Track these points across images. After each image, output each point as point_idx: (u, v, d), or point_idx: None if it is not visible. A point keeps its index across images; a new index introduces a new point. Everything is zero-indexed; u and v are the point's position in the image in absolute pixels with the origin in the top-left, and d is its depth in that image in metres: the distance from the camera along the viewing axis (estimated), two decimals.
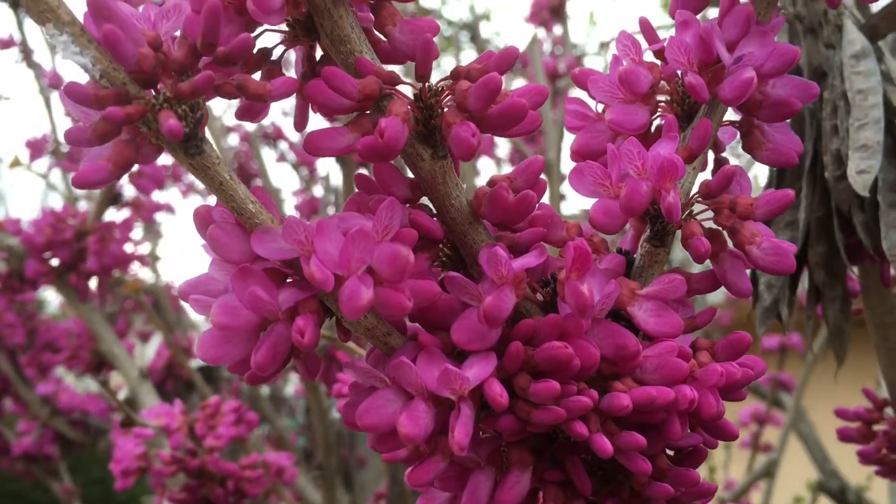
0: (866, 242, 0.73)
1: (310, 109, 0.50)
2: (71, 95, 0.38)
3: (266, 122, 2.63)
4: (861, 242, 0.75)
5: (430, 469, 0.46)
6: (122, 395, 1.45)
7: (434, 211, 0.49)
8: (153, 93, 0.39)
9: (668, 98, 0.55)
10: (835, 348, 0.82)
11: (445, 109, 0.45)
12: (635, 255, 0.55)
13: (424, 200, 0.51)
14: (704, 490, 0.54)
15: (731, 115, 0.57)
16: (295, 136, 2.66)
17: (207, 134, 0.46)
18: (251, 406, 2.54)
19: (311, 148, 0.45)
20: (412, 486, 0.47)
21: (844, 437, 0.93)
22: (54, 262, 1.26)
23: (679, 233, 0.53)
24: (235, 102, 0.46)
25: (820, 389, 2.54)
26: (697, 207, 0.53)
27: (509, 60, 0.45)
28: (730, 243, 0.54)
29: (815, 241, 0.77)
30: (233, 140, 3.02)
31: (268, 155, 2.68)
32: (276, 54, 0.48)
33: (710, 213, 0.53)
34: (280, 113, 2.81)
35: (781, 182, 0.80)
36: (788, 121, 0.78)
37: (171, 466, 1.11)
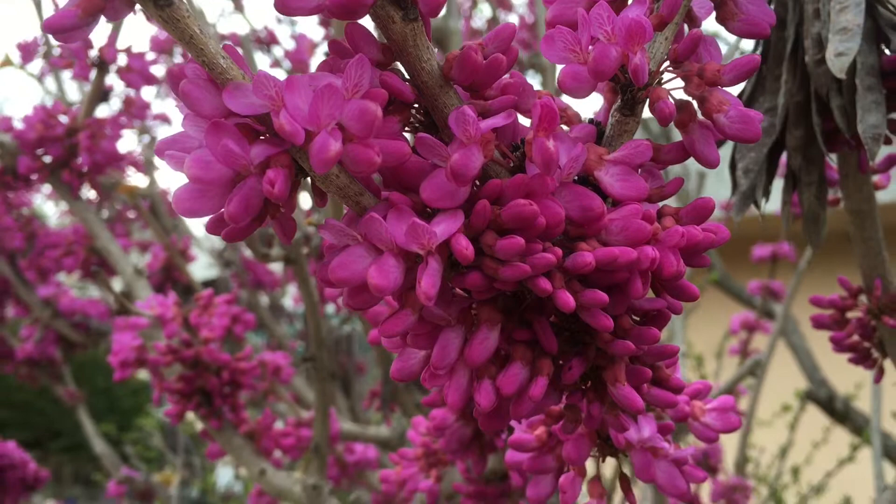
0: (842, 126, 0.74)
1: None
2: None
3: (259, 26, 2.60)
4: (838, 128, 0.75)
5: (401, 322, 0.49)
6: (118, 286, 1.48)
7: (406, 75, 0.50)
8: None
9: None
10: (809, 234, 0.84)
11: None
12: (606, 126, 0.56)
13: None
14: (667, 350, 0.57)
15: None
16: (289, 43, 2.63)
17: None
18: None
19: (282, 7, 0.45)
20: (384, 336, 0.49)
21: (818, 324, 0.96)
22: (47, 158, 1.27)
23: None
24: (229, 11, 0.46)
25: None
26: (669, 78, 0.54)
27: None
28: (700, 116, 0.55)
29: (792, 126, 0.77)
30: None
31: (261, 60, 2.65)
32: None
33: (681, 84, 0.54)
34: (274, 19, 2.78)
35: (762, 68, 0.81)
36: (772, 5, 0.78)
37: (166, 356, 1.15)
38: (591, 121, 0.56)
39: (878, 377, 1.00)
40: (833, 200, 0.92)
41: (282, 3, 0.45)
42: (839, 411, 2.82)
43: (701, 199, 0.53)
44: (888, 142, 0.83)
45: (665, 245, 0.50)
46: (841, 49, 0.71)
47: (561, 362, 0.56)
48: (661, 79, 0.53)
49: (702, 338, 3.66)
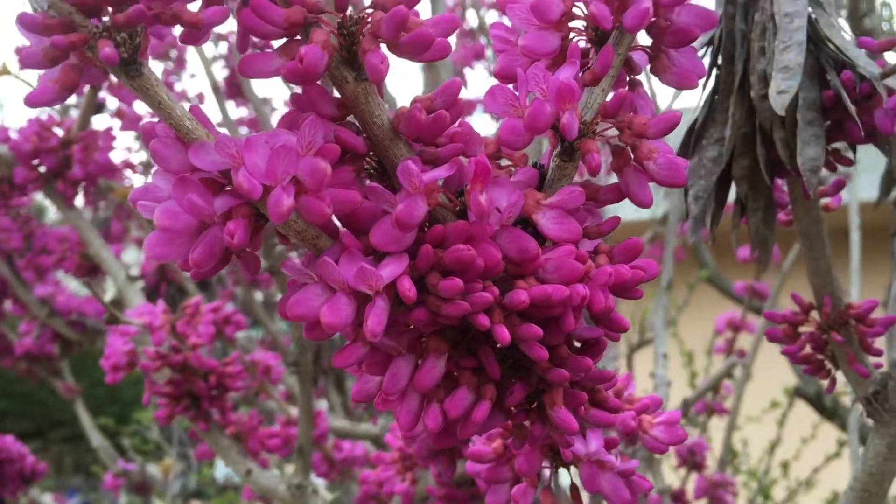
0: (784, 157, 0.79)
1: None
2: (23, 24, 0.44)
3: None
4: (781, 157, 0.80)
5: (353, 354, 0.54)
6: (109, 295, 1.53)
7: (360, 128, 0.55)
8: (97, 22, 0.45)
9: (585, 24, 0.60)
10: (759, 256, 0.89)
11: (364, 37, 0.50)
12: (549, 169, 0.61)
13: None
14: (603, 376, 0.62)
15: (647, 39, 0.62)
16: None
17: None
18: (244, 310, 2.64)
19: (244, 70, 0.50)
20: (338, 367, 0.54)
21: (772, 337, 1.01)
22: (42, 169, 1.32)
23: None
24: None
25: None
26: (606, 125, 0.59)
27: None
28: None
29: (739, 156, 0.82)
30: (223, 48, 3.04)
31: None
32: None
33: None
34: None
35: (713, 101, 0.85)
36: (719, 42, 0.83)
37: (155, 362, 1.20)
38: (535, 164, 0.61)
39: (830, 388, 1.05)
40: (785, 221, 0.97)
41: (244, 66, 0.50)
42: (827, 408, 2.87)
43: (631, 239, 0.58)
44: (833, 168, 0.88)
45: (595, 283, 0.55)
46: (782, 87, 0.76)
47: (509, 384, 0.61)
48: (595, 129, 0.57)
49: (694, 334, 3.72)
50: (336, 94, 0.55)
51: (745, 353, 2.58)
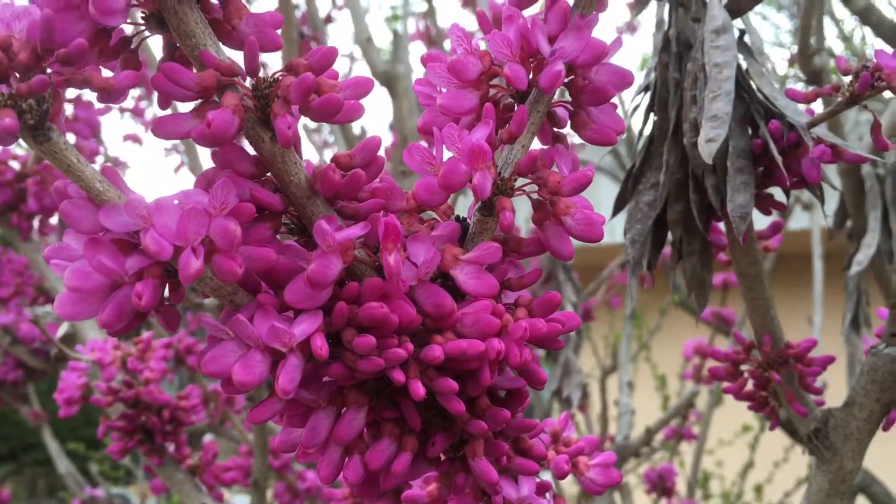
0: (715, 204, 0.80)
1: None
2: None
3: None
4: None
5: (268, 409, 0.54)
6: (63, 328, 1.52)
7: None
8: (3, 89, 0.45)
9: (506, 82, 0.61)
10: (696, 296, 0.90)
11: (276, 100, 0.51)
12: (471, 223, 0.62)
13: None
14: (524, 426, 0.63)
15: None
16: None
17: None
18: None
19: (158, 131, 0.51)
20: (252, 423, 0.54)
21: (715, 375, 1.02)
22: None
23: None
24: None
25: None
26: (525, 182, 0.60)
27: (329, 59, 0.51)
28: None
29: (673, 201, 0.84)
30: None
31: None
32: (136, 42, 0.54)
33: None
34: None
35: (650, 146, 0.87)
36: (654, 90, 0.84)
37: (107, 397, 1.20)
38: (457, 218, 0.62)
39: (774, 424, 1.07)
40: (725, 262, 0.98)
41: (158, 127, 0.51)
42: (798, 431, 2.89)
43: (549, 293, 0.59)
44: (767, 212, 0.90)
45: (511, 338, 0.56)
46: (711, 135, 0.77)
47: (427, 433, 0.61)
48: (514, 185, 0.58)
49: (667, 358, 3.74)
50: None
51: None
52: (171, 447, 1.31)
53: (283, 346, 0.52)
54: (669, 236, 0.90)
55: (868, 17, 2.63)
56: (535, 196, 0.60)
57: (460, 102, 0.58)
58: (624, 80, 0.60)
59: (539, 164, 0.59)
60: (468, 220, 0.62)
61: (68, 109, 1.24)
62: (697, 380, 2.79)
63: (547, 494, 0.76)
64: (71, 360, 1.14)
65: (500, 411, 0.59)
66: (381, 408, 0.59)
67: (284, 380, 0.51)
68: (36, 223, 1.37)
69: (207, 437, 2.26)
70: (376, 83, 0.62)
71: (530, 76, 0.58)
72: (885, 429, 0.98)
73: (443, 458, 0.65)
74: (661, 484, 2.74)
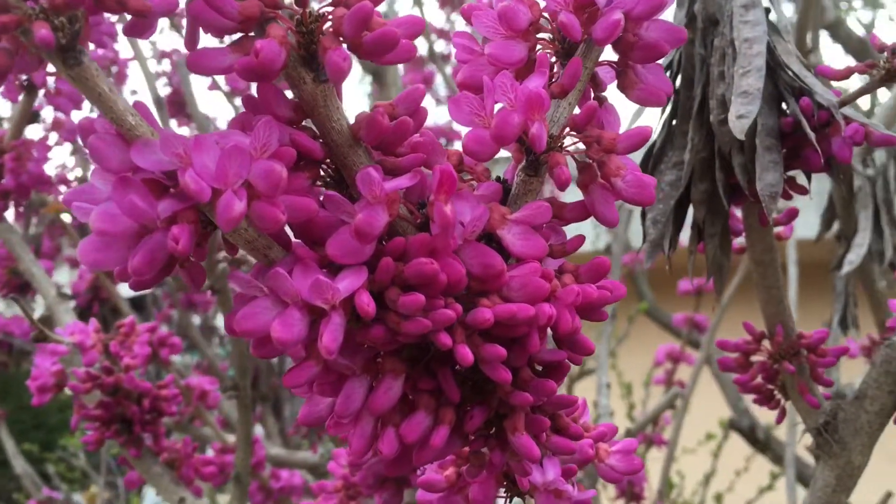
0: (742, 183, 0.78)
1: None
2: None
3: None
4: (739, 182, 0.79)
5: (304, 372, 0.50)
6: (38, 313, 1.46)
7: (317, 133, 0.52)
8: (33, 4, 0.41)
9: (551, 36, 0.58)
10: (714, 282, 0.88)
11: (324, 35, 0.47)
12: (513, 184, 0.58)
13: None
14: (566, 401, 0.59)
15: (612, 55, 0.60)
16: None
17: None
18: (181, 334, 2.55)
19: (193, 66, 0.47)
20: (288, 387, 0.50)
21: (724, 366, 1.00)
22: None
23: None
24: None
25: (734, 331, 2.66)
26: (571, 141, 0.57)
27: None
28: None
29: (698, 181, 0.81)
30: (166, 65, 2.97)
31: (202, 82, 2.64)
32: None
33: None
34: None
35: (671, 125, 0.85)
36: (678, 66, 0.82)
37: (86, 383, 1.14)
38: (498, 179, 0.59)
39: (780, 418, 1.04)
40: (738, 249, 0.96)
41: (193, 62, 0.47)
42: (760, 440, 2.90)
43: (598, 258, 0.56)
44: (788, 197, 0.87)
45: (562, 303, 0.53)
46: (742, 111, 0.75)
47: (467, 409, 0.58)
48: (563, 143, 0.55)
49: (632, 366, 3.74)
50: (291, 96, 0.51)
51: (685, 385, 2.59)
52: (148, 439, 1.25)
53: (325, 302, 0.48)
54: (688, 219, 0.87)
55: (837, 32, 2.66)
56: (580, 157, 0.57)
57: (509, 52, 0.55)
58: (677, 36, 0.57)
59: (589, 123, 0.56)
60: (508, 182, 0.59)
61: (50, 82, 1.19)
62: (669, 385, 2.79)
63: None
64: (50, 343, 1.08)
65: (546, 382, 0.55)
66: (415, 379, 0.55)
67: (329, 338, 0.47)
68: (12, 209, 1.31)
69: None
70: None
71: None
72: None
73: (471, 437, 0.61)
74: (629, 490, 2.72)
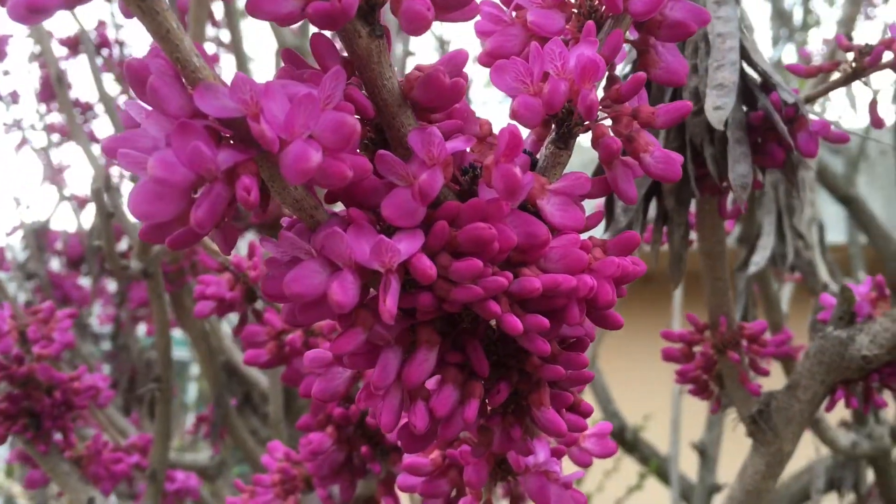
0: (714, 173, 0.81)
1: None
2: None
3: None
4: (709, 173, 0.82)
5: (352, 340, 0.48)
6: None
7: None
8: None
9: (577, 10, 0.58)
10: (673, 272, 0.91)
11: None
12: (538, 157, 0.58)
13: None
14: (584, 377, 0.59)
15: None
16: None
17: None
18: None
19: (253, 10, 0.44)
20: (335, 354, 0.48)
21: (668, 356, 1.03)
22: None
23: None
24: None
25: (610, 340, 2.76)
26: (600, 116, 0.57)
27: None
28: None
29: None
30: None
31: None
32: None
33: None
34: None
35: None
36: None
37: None
38: (524, 151, 0.58)
39: (715, 408, 1.09)
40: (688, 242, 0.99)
41: (254, 5, 0.44)
42: (629, 441, 3.03)
43: (627, 232, 0.56)
44: (758, 186, 0.91)
45: (601, 275, 0.52)
46: (719, 103, 0.78)
47: (500, 381, 0.57)
48: (598, 117, 0.55)
49: None
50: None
51: None
52: (57, 434, 1.16)
53: (382, 265, 0.45)
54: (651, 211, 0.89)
55: None
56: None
57: (551, 21, 0.54)
58: (701, 16, 0.58)
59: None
60: (534, 155, 0.58)
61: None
62: None
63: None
64: None
65: (577, 356, 0.55)
66: (443, 352, 0.54)
67: (391, 301, 0.45)
68: None
69: None
70: None
71: None
72: (829, 409, 1.02)
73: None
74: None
